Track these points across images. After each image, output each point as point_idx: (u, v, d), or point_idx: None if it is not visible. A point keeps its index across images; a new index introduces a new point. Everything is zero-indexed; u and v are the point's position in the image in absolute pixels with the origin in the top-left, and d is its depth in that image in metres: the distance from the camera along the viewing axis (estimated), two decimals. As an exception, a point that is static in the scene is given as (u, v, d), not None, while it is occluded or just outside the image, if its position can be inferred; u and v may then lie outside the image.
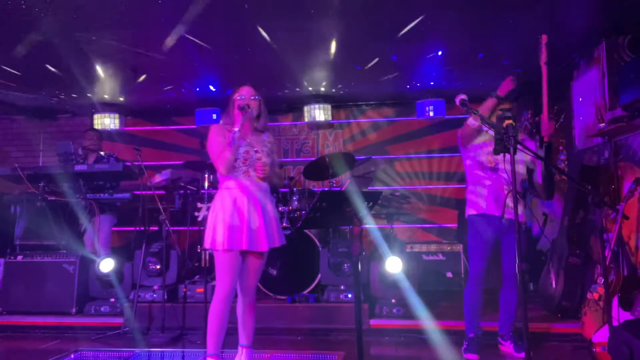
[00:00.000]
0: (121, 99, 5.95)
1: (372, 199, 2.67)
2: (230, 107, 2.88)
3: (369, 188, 6.18)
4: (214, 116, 6.19)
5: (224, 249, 2.71)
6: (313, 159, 5.57)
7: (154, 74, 5.09)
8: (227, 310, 2.78)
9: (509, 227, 3.17)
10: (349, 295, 4.25)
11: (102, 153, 4.90)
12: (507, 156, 2.37)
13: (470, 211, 3.36)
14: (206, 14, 3.61)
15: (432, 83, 5.54)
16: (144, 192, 4.45)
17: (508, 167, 2.88)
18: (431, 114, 6.00)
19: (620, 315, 2.97)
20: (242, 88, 2.89)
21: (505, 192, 3.16)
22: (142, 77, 5.08)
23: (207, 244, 2.78)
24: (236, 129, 2.73)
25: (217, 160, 2.76)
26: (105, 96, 5.84)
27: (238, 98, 2.85)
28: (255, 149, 2.85)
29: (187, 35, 4.02)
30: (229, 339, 3.03)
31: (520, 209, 3.16)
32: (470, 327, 3.37)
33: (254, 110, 2.86)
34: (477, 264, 3.30)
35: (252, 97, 2.86)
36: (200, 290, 4.35)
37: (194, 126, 6.38)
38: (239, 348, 2.97)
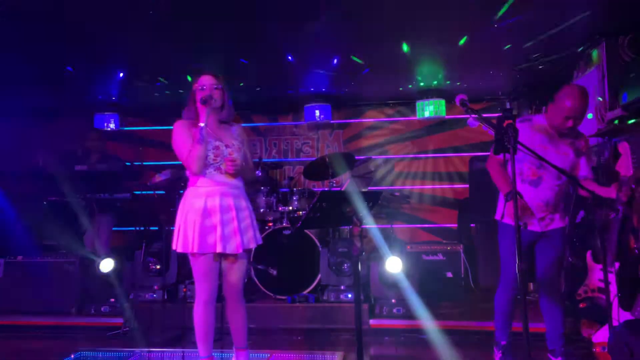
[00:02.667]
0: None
1: (372, 199, 2.68)
2: (190, 99, 2.70)
3: (369, 188, 6.18)
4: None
5: (197, 252, 2.60)
6: (313, 159, 5.58)
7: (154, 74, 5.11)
8: (211, 313, 2.71)
9: (544, 234, 2.98)
10: (349, 295, 4.25)
11: (104, 153, 4.90)
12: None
13: (506, 219, 3.00)
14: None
15: (433, 83, 5.55)
16: (144, 192, 4.45)
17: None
18: (431, 114, 5.99)
19: (620, 315, 2.97)
20: (202, 77, 2.69)
21: (544, 205, 2.94)
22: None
23: (177, 247, 2.63)
24: (203, 124, 2.57)
25: (188, 160, 2.59)
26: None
27: (199, 89, 2.66)
28: (225, 144, 2.69)
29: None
30: (229, 338, 3.02)
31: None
32: (502, 334, 3.11)
33: (217, 101, 2.66)
34: (511, 269, 3.01)
35: (214, 87, 2.66)
36: (200, 290, 4.34)
37: (194, 126, 6.37)
38: (235, 350, 2.89)
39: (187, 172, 2.74)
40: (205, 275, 2.67)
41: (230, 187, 2.69)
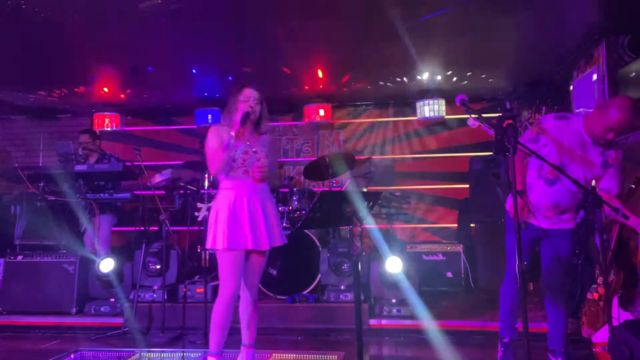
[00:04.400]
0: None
1: (372, 199, 2.68)
2: (231, 107, 2.86)
3: (369, 188, 6.18)
4: (209, 117, 6.19)
5: (227, 248, 2.71)
6: (313, 159, 5.58)
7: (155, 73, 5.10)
8: (232, 311, 2.79)
9: (549, 232, 2.96)
10: (349, 295, 4.24)
11: (103, 153, 4.89)
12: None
13: (511, 213, 2.98)
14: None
15: (430, 83, 5.55)
16: (144, 192, 4.45)
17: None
18: (431, 114, 6.00)
19: (620, 315, 2.97)
20: (246, 90, 2.86)
21: (552, 207, 2.89)
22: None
23: (208, 244, 2.78)
24: (233, 134, 2.74)
25: (211, 162, 2.78)
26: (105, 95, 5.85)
27: (244, 100, 2.84)
28: (254, 150, 2.85)
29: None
30: (231, 338, 3.03)
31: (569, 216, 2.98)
32: (505, 330, 3.13)
33: (256, 114, 2.87)
34: (514, 262, 2.92)
35: (256, 101, 2.85)
36: (200, 290, 4.35)
37: (194, 126, 6.39)
38: (242, 347, 2.97)
39: (219, 176, 2.88)
40: (232, 272, 2.75)
41: (257, 189, 2.84)
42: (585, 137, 2.82)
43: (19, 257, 4.61)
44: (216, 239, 2.73)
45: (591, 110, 2.87)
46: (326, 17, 3.76)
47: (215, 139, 2.80)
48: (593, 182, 2.90)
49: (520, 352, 3.06)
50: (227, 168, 2.78)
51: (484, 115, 2.75)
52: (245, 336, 2.96)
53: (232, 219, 2.73)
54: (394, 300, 4.18)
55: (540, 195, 2.91)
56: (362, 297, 3.65)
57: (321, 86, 5.66)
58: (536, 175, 2.95)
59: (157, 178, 4.64)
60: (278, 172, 3.08)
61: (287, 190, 5.22)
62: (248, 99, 2.83)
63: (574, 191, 2.85)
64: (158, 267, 4.44)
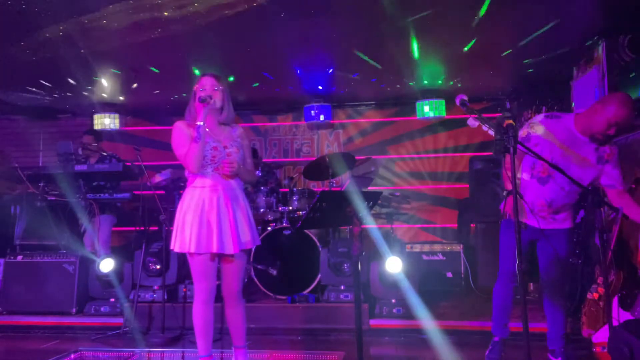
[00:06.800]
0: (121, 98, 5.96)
1: (372, 199, 2.67)
2: (191, 100, 2.73)
3: (369, 188, 6.18)
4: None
5: (194, 252, 2.62)
6: (313, 159, 5.58)
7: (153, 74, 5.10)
8: (209, 312, 2.74)
9: (545, 233, 2.92)
10: (349, 295, 4.24)
11: (104, 153, 4.89)
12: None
13: (508, 209, 2.98)
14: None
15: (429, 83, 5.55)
16: (144, 192, 4.44)
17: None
18: (431, 114, 6.00)
19: (620, 315, 2.97)
20: (203, 78, 2.72)
21: (547, 205, 2.90)
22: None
23: (175, 246, 2.66)
24: (201, 123, 2.58)
25: (186, 159, 2.61)
26: (105, 95, 5.85)
27: (199, 89, 2.69)
28: (223, 145, 2.71)
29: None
30: (230, 338, 3.03)
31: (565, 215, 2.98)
32: (497, 328, 3.15)
33: (217, 102, 2.69)
34: (508, 261, 3.00)
35: (215, 88, 2.69)
36: (200, 290, 4.34)
37: (194, 126, 6.38)
38: (233, 349, 2.91)
39: (186, 172, 2.76)
40: (203, 275, 2.69)
41: (227, 188, 2.71)
42: (577, 135, 2.83)
43: (19, 257, 4.61)
44: (184, 242, 2.62)
45: (586, 109, 2.87)
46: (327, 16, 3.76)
47: (182, 134, 2.66)
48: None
49: (519, 353, 3.06)
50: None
51: (484, 115, 2.74)
52: (234, 338, 2.89)
53: (200, 221, 2.61)
54: (394, 300, 4.18)
55: (534, 194, 2.91)
56: (362, 297, 3.65)
57: (320, 87, 5.66)
58: (529, 175, 2.95)
59: (157, 178, 4.64)
60: (251, 168, 2.91)
61: (287, 190, 5.22)
62: (204, 87, 2.68)
63: (567, 189, 2.85)
64: (158, 267, 4.44)
